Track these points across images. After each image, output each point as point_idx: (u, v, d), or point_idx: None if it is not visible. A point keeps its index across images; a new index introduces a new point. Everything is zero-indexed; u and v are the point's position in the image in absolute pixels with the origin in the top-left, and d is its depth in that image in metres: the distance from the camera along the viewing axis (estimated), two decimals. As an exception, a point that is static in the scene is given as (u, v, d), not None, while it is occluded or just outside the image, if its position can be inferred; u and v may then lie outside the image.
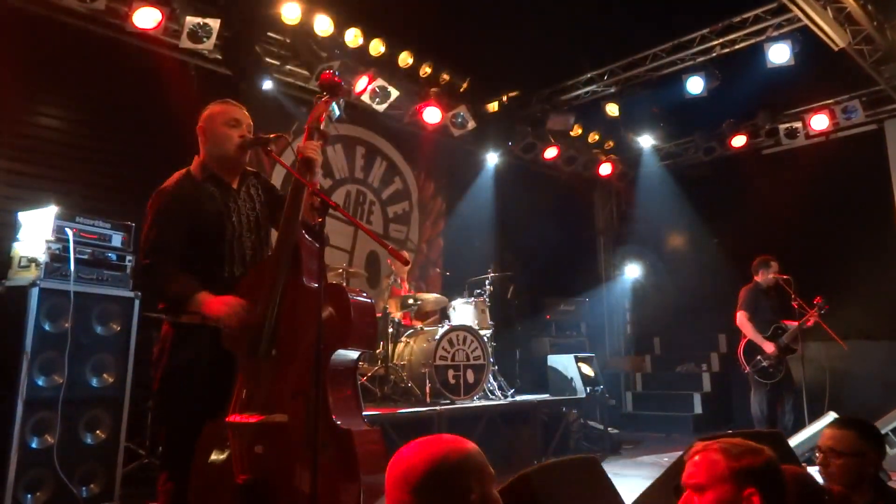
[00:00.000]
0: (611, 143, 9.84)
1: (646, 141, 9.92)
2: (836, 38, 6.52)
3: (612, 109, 8.73)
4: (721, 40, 7.50)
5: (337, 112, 2.89)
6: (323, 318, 2.26)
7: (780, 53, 7.08)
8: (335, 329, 2.45)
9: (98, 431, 4.25)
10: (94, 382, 4.26)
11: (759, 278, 6.39)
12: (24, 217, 4.36)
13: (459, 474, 1.41)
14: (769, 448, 1.75)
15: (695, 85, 7.82)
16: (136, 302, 4.49)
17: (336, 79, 2.94)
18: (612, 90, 8.53)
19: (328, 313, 2.46)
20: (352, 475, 2.30)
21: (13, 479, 3.78)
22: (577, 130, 9.19)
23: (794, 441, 5.21)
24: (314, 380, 2.20)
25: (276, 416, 2.39)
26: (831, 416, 5.41)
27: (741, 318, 6.27)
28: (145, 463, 4.79)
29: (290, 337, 2.51)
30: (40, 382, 3.97)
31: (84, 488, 4.10)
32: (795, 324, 6.07)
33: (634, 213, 10.92)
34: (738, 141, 9.17)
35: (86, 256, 4.30)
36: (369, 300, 2.70)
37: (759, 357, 6.13)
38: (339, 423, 2.39)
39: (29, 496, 3.86)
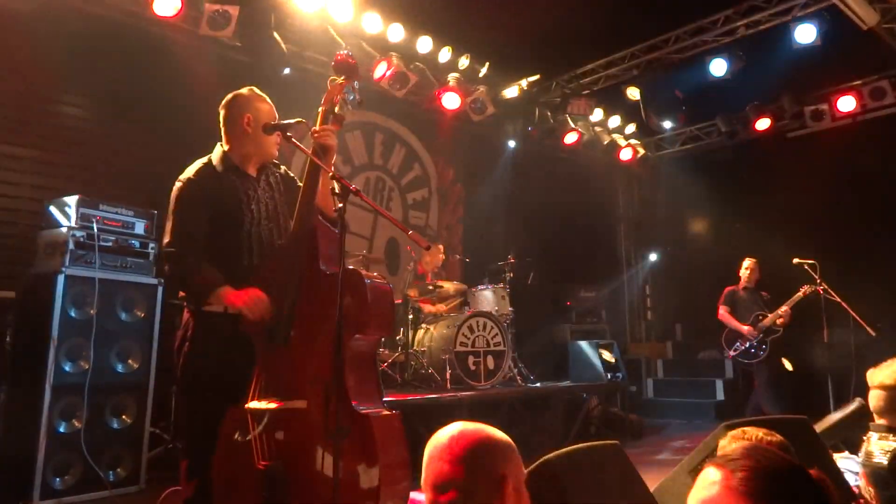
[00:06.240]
0: (632, 128, 9.71)
1: (667, 125, 9.78)
2: (864, 16, 6.36)
3: (634, 93, 8.61)
4: (745, 21, 7.34)
5: (352, 95, 2.83)
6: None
7: (806, 33, 6.92)
8: (352, 314, 2.44)
9: (124, 416, 4.32)
10: (120, 368, 4.33)
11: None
12: (49, 205, 4.42)
13: (501, 457, 1.44)
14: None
15: (718, 67, 7.68)
16: (160, 289, 4.55)
17: (350, 60, 2.87)
18: (634, 73, 8.42)
19: (345, 298, 2.45)
20: (371, 460, 2.30)
21: (42, 463, 3.86)
22: (597, 115, 9.10)
23: (819, 428, 5.13)
24: (334, 365, 2.20)
25: (295, 401, 2.40)
26: (858, 402, 5.33)
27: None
28: (170, 448, 4.85)
29: (308, 322, 2.51)
30: (67, 368, 4.05)
31: (111, 472, 4.19)
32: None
33: (656, 198, 10.81)
34: (762, 124, 9.01)
35: (109, 244, 4.35)
36: (387, 285, 2.69)
37: (738, 342, 6.50)
38: (358, 408, 2.39)
39: (57, 479, 3.95)
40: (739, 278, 6.83)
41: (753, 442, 1.94)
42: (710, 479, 1.19)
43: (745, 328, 6.43)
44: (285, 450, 2.38)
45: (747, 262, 6.83)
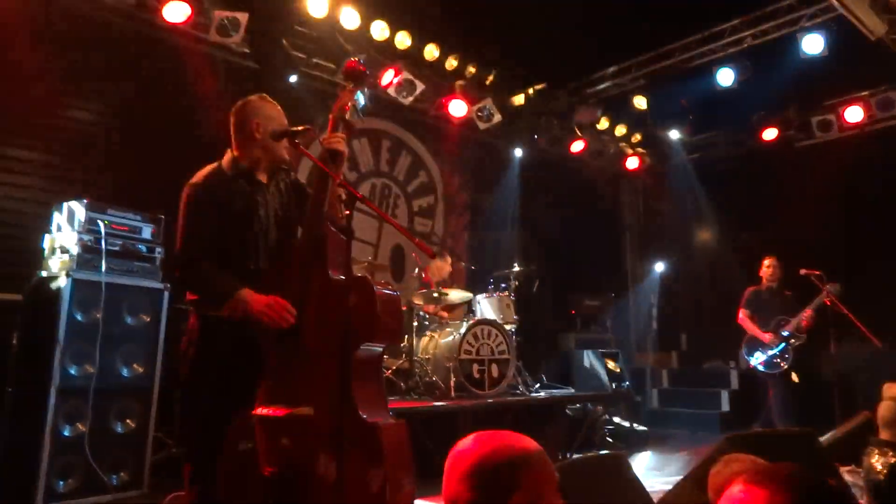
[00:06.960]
0: (638, 137, 9.72)
1: (674, 134, 9.78)
2: (872, 27, 6.36)
3: (640, 102, 8.62)
4: (752, 31, 7.36)
5: (362, 101, 2.84)
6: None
7: (813, 44, 6.92)
8: (361, 322, 2.44)
9: (128, 421, 4.32)
10: (125, 372, 4.34)
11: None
12: (56, 209, 4.44)
13: (506, 470, 1.41)
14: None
15: (725, 77, 7.69)
16: (166, 293, 4.56)
17: (361, 67, 2.87)
18: (641, 83, 8.43)
19: (354, 306, 2.45)
20: (378, 468, 2.30)
21: (46, 466, 3.86)
22: (604, 124, 9.10)
23: (824, 441, 5.10)
24: (341, 373, 2.20)
25: (302, 409, 2.39)
26: (864, 416, 5.29)
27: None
28: (174, 453, 4.84)
29: (316, 330, 2.50)
30: (72, 372, 4.05)
31: (114, 476, 4.18)
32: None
33: (662, 207, 10.79)
34: (769, 134, 8.99)
35: (116, 248, 4.37)
36: (395, 293, 2.68)
37: (759, 350, 6.22)
38: (365, 416, 2.39)
39: (61, 483, 3.95)
40: (761, 278, 6.52)
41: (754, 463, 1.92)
42: (748, 498, 1.13)
43: (767, 336, 6.15)
44: (291, 457, 2.38)
45: (768, 261, 6.50)
